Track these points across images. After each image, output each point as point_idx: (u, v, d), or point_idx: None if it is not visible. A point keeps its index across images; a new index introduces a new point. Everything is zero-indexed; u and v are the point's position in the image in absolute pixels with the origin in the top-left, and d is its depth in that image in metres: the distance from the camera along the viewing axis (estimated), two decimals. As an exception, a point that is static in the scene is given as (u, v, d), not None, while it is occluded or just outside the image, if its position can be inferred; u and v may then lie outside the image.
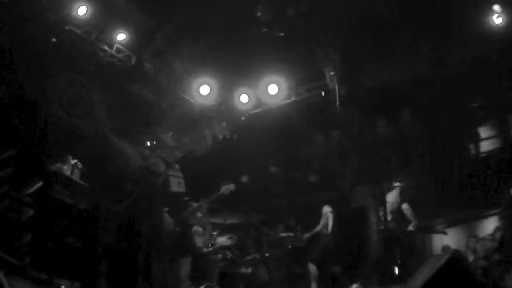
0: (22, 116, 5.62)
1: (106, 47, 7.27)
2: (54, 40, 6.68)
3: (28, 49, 6.28)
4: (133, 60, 7.41)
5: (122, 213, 3.96)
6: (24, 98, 5.96)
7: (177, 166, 5.94)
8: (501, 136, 8.84)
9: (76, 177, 5.74)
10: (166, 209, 5.16)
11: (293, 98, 9.47)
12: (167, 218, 5.13)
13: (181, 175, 5.91)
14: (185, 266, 5.86)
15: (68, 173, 5.68)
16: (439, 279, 2.52)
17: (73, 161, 5.78)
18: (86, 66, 6.87)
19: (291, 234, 9.36)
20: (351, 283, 7.59)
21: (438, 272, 2.57)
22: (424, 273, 2.89)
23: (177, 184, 5.78)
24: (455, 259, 2.68)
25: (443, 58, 8.19)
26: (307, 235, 9.00)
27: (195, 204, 6.41)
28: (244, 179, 8.12)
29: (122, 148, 3.73)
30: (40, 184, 5.20)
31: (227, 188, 6.59)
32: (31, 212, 5.00)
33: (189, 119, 8.50)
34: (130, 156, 3.70)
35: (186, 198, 6.09)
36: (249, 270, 7.69)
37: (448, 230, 7.61)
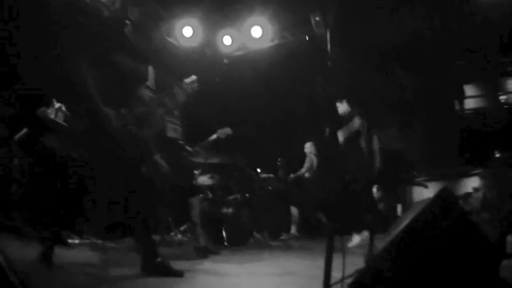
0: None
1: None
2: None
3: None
4: (118, 4, 7.29)
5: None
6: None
7: (176, 113, 5.91)
8: (488, 97, 8.98)
9: (59, 119, 5.75)
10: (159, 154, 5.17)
11: (276, 42, 9.43)
12: (162, 163, 5.14)
13: (178, 122, 5.88)
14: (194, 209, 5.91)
15: (52, 116, 5.68)
16: (427, 218, 2.44)
17: (58, 105, 5.78)
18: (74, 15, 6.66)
19: (272, 175, 9.53)
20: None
21: (425, 209, 2.48)
22: (408, 217, 2.74)
23: (172, 130, 5.76)
24: (445, 194, 2.52)
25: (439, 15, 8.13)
26: (291, 176, 9.17)
27: (190, 149, 6.42)
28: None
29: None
30: (26, 130, 5.19)
31: (223, 132, 6.49)
32: (16, 161, 5.01)
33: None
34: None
35: (181, 142, 6.08)
36: (230, 210, 7.81)
37: (430, 184, 7.64)
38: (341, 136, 7.57)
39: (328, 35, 2.94)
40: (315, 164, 8.96)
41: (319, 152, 9.08)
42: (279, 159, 9.92)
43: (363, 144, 7.10)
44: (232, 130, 6.64)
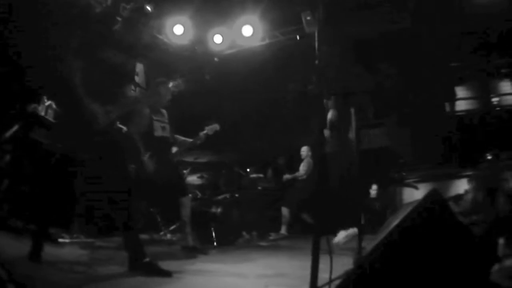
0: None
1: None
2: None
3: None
4: (109, 1, 7.24)
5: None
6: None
7: (163, 111, 5.90)
8: (480, 99, 9.03)
9: (49, 117, 5.72)
10: (148, 154, 5.21)
11: (267, 41, 9.44)
12: (148, 162, 5.15)
13: (166, 120, 5.87)
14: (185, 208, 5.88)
15: (42, 113, 5.66)
16: (416, 220, 2.43)
17: (48, 102, 5.75)
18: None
19: (261, 175, 9.53)
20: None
21: (415, 211, 2.47)
22: (397, 218, 2.74)
23: (161, 129, 5.74)
24: (434, 195, 2.51)
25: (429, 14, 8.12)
26: (287, 176, 9.16)
27: (180, 138, 6.36)
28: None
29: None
30: (16, 127, 5.17)
31: (212, 128, 6.32)
32: (8, 157, 4.99)
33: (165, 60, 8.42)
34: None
35: (171, 141, 6.07)
36: (219, 210, 7.79)
37: (420, 186, 7.59)
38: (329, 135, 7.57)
39: (316, 34, 2.93)
40: (311, 167, 8.93)
41: (313, 154, 9.06)
42: (282, 157, 9.93)
43: (352, 143, 7.07)
44: (221, 128, 6.60)
